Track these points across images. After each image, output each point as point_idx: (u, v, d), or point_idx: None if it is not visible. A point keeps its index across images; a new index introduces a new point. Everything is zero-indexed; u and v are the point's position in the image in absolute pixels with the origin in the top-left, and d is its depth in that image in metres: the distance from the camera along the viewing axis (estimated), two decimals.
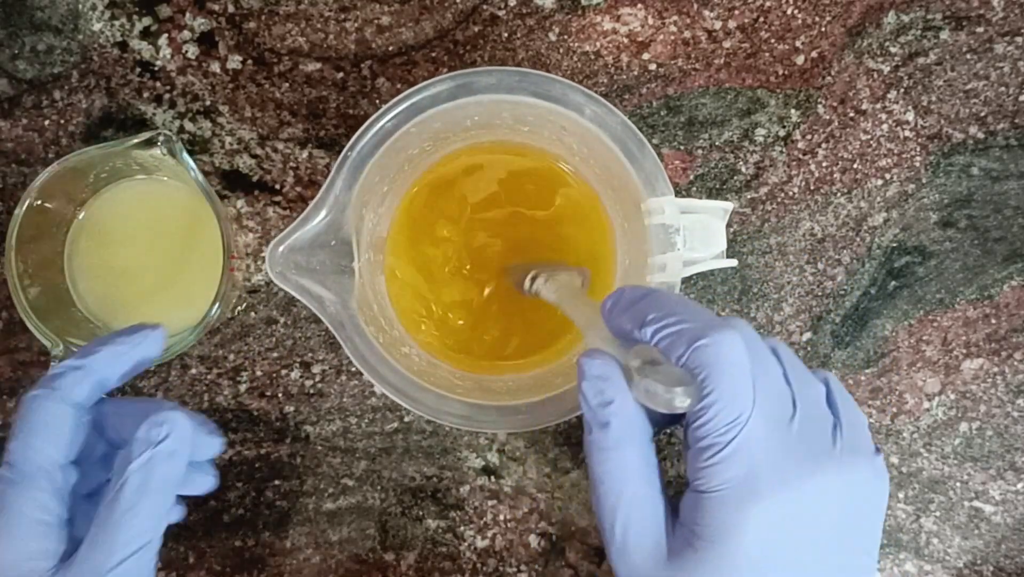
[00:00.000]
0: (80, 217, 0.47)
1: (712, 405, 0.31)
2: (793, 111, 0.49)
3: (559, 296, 0.40)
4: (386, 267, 0.45)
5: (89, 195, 0.47)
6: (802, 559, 0.32)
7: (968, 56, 0.50)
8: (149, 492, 0.36)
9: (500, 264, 0.46)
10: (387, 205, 0.45)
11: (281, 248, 0.38)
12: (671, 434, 0.49)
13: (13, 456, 0.35)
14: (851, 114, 0.49)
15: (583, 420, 0.34)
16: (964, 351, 0.49)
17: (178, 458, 0.36)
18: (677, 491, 0.34)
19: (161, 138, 0.43)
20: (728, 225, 0.49)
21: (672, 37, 0.49)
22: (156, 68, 0.49)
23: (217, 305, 0.44)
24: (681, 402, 0.30)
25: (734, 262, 0.38)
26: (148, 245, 0.47)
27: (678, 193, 0.49)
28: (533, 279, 0.42)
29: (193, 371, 0.48)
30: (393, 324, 0.45)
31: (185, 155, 0.43)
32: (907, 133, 0.49)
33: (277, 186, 0.49)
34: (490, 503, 0.49)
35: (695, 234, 0.39)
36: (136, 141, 0.43)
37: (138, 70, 0.49)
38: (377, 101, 0.49)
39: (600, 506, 0.33)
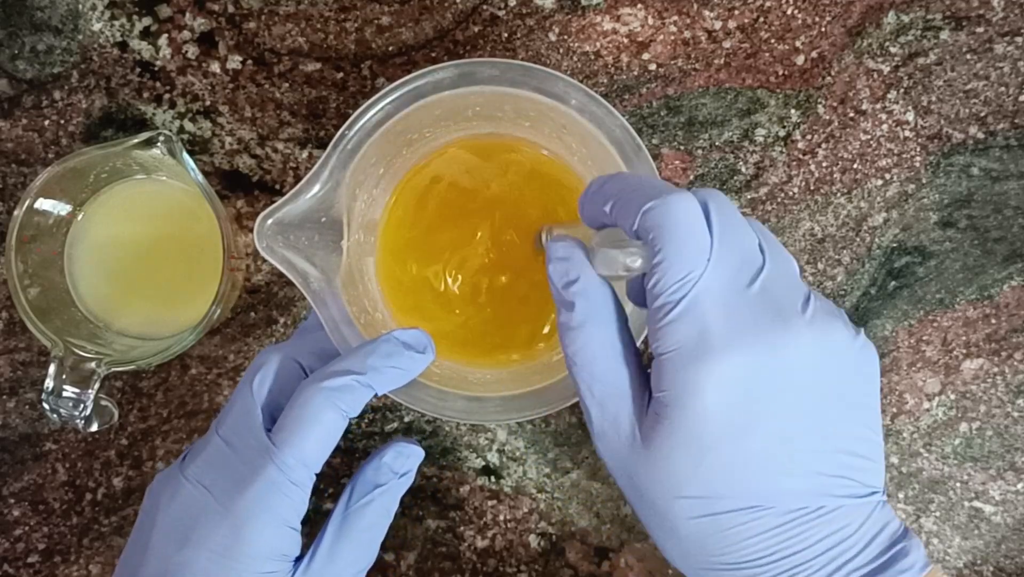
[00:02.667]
0: (80, 217, 0.47)
1: (662, 263, 0.30)
2: (793, 111, 0.49)
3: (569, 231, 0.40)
4: (377, 249, 0.46)
5: (89, 195, 0.47)
6: (779, 425, 0.30)
7: (968, 56, 0.50)
8: (387, 516, 0.38)
9: (489, 258, 0.46)
10: (382, 188, 0.45)
11: (270, 221, 0.39)
12: None
13: (289, 453, 0.35)
14: (851, 114, 0.49)
15: (556, 305, 0.34)
16: (964, 351, 0.49)
17: (405, 490, 0.39)
18: None
19: (161, 138, 0.43)
20: None
21: (672, 37, 0.49)
22: (156, 68, 0.49)
23: (217, 305, 0.44)
24: (633, 262, 0.31)
25: None
26: (148, 245, 0.47)
27: None
28: (549, 232, 0.42)
29: (193, 371, 0.48)
30: (377, 306, 0.45)
31: (185, 155, 0.43)
32: (907, 133, 0.49)
33: (277, 186, 0.49)
34: (490, 503, 0.49)
35: None
36: (136, 141, 0.43)
37: (138, 70, 0.49)
38: None
39: (577, 388, 0.33)
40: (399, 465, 0.39)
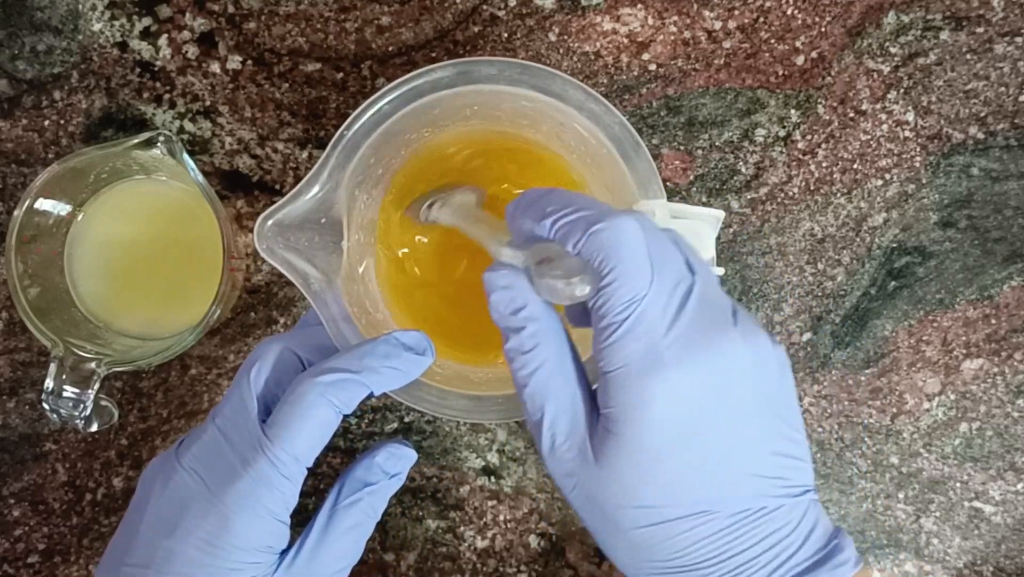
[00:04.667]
0: (80, 217, 0.47)
1: (609, 284, 0.31)
2: (793, 111, 0.49)
3: (456, 216, 0.40)
4: (376, 249, 0.45)
5: (89, 195, 0.47)
6: (722, 432, 0.32)
7: (968, 56, 0.50)
8: (375, 516, 0.39)
9: (492, 260, 0.46)
10: (381, 188, 0.45)
11: (270, 222, 0.39)
12: None
13: (280, 447, 0.35)
14: (851, 114, 0.49)
15: (501, 333, 0.34)
16: (964, 351, 0.49)
17: (395, 491, 0.40)
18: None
19: (161, 138, 0.43)
20: (728, 226, 0.49)
21: (672, 37, 0.49)
22: (156, 68, 0.49)
23: (217, 305, 0.44)
24: (581, 291, 0.31)
25: (721, 271, 0.38)
26: (148, 245, 0.47)
27: (679, 193, 0.49)
28: (430, 206, 0.42)
29: (193, 371, 0.48)
30: (378, 306, 0.45)
31: (185, 155, 0.43)
32: (907, 133, 0.49)
33: (277, 186, 0.49)
34: (490, 503, 0.49)
35: (684, 239, 0.39)
36: (136, 141, 0.43)
37: (138, 70, 0.49)
38: None
39: (527, 410, 0.33)
40: (391, 466, 0.39)
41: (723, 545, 0.32)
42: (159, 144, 0.43)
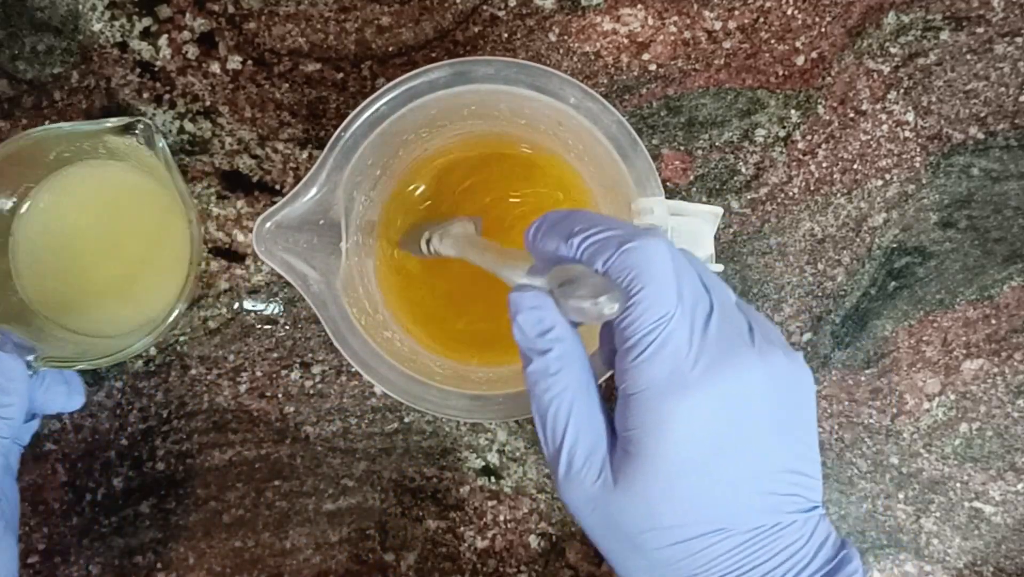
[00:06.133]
0: (29, 199, 0.44)
1: (638, 304, 0.31)
2: (793, 111, 0.49)
3: (459, 247, 0.40)
4: (376, 251, 0.46)
5: (44, 174, 0.44)
6: (740, 451, 0.32)
7: (968, 56, 0.50)
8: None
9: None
10: (379, 189, 0.45)
11: (268, 224, 0.39)
12: None
13: None
14: (851, 115, 0.49)
15: (520, 354, 0.34)
16: (964, 352, 0.49)
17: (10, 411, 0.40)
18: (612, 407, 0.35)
19: (140, 126, 0.41)
20: (728, 226, 0.49)
21: (672, 38, 0.49)
22: (156, 68, 0.49)
23: (181, 304, 0.42)
24: (609, 309, 0.31)
25: (720, 268, 0.39)
26: (105, 237, 0.45)
27: (679, 193, 0.49)
28: (428, 241, 0.42)
29: (193, 371, 0.48)
30: (378, 308, 0.45)
31: (163, 145, 0.41)
32: (907, 134, 0.49)
33: (277, 186, 0.49)
34: (490, 504, 0.49)
35: (683, 237, 0.39)
36: (112, 124, 0.41)
37: (138, 70, 0.49)
38: None
39: (546, 435, 0.33)
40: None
41: (740, 561, 0.32)
42: (137, 131, 0.41)
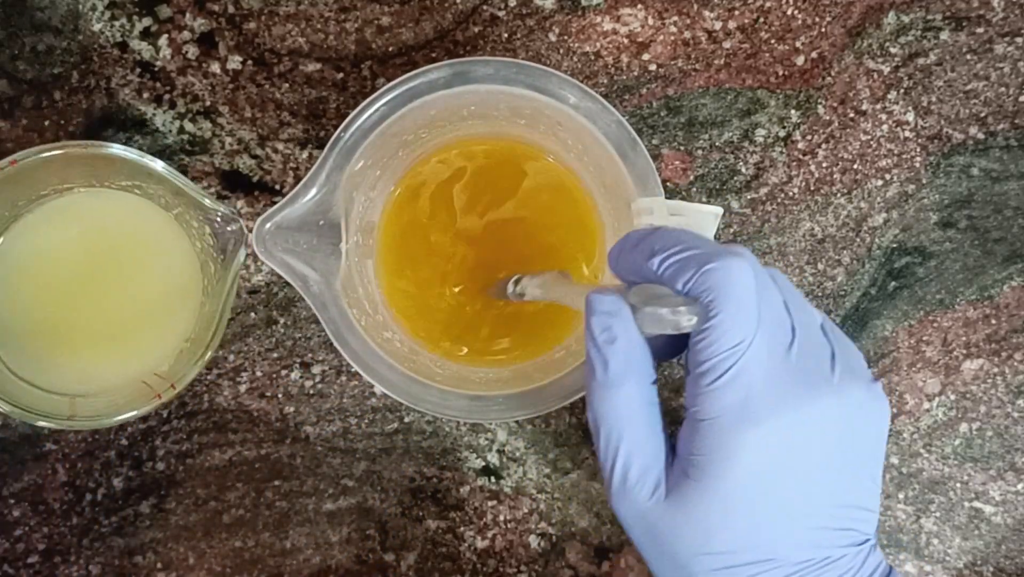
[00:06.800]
0: (10, 230, 0.36)
1: (717, 327, 0.31)
2: (793, 112, 0.49)
3: (546, 289, 0.40)
4: (376, 252, 0.46)
5: (16, 213, 0.36)
6: (801, 484, 0.32)
7: (968, 56, 0.50)
8: None
9: (488, 258, 0.46)
10: (379, 190, 0.45)
11: (268, 225, 0.39)
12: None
13: None
14: (851, 114, 0.49)
15: (587, 359, 0.33)
16: (964, 352, 0.49)
17: None
18: (673, 430, 0.34)
19: (233, 228, 0.35)
20: (728, 226, 0.49)
21: (672, 38, 0.49)
22: (156, 68, 0.49)
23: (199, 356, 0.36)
24: (688, 321, 0.31)
25: None
26: (89, 283, 0.38)
27: (679, 193, 0.49)
28: (517, 282, 0.42)
29: None
30: (377, 308, 0.45)
31: (242, 258, 0.37)
32: (907, 134, 0.49)
33: (277, 187, 0.49)
34: (490, 504, 0.49)
35: None
36: (209, 204, 0.35)
37: (138, 70, 0.49)
38: None
39: (601, 446, 0.33)
40: None
41: None
42: (217, 223, 0.34)
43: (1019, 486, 0.49)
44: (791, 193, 0.49)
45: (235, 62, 0.49)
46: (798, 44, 0.49)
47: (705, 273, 0.31)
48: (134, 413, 0.36)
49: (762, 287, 0.32)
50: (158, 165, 0.36)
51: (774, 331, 0.32)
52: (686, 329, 0.31)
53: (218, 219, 0.36)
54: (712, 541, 0.32)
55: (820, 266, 0.49)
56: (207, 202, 0.36)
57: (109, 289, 0.39)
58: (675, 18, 0.49)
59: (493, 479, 0.49)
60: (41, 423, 0.36)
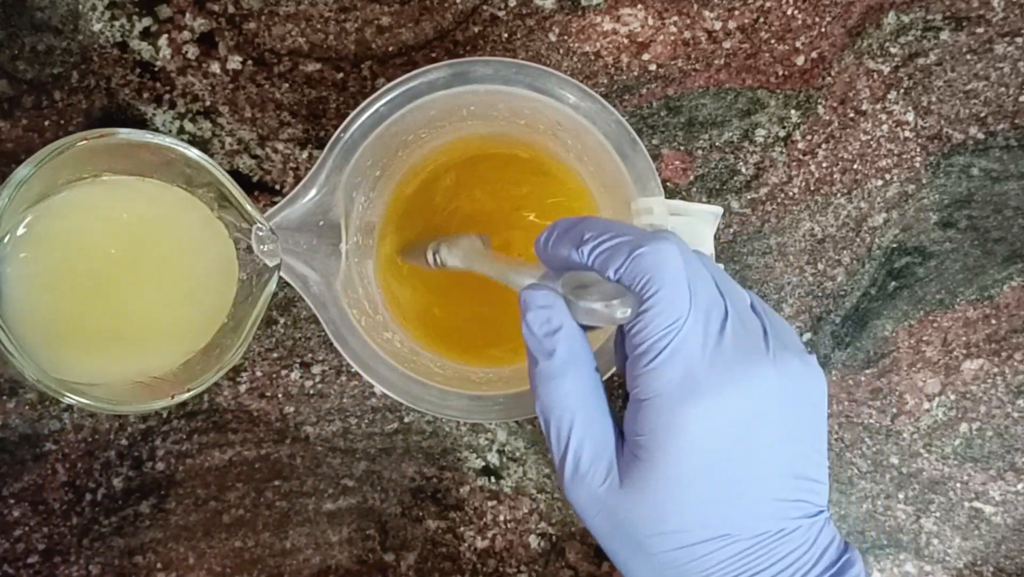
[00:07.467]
0: (26, 224, 0.33)
1: (651, 309, 0.31)
2: (793, 112, 0.49)
3: (467, 260, 0.40)
4: (375, 252, 0.46)
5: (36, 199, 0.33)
6: (748, 457, 0.32)
7: (968, 56, 0.50)
8: None
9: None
10: (379, 190, 0.45)
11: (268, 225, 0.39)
12: None
13: None
14: (851, 115, 0.49)
15: (528, 353, 0.34)
16: (964, 352, 0.49)
17: None
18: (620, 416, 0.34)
19: (266, 246, 0.34)
20: (728, 226, 0.49)
21: (672, 38, 0.49)
22: (156, 68, 0.49)
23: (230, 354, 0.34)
24: (622, 313, 0.31)
25: (720, 267, 0.38)
26: (109, 268, 0.36)
27: (679, 194, 0.49)
28: (435, 252, 0.42)
29: None
30: (377, 309, 0.45)
31: (273, 287, 0.35)
32: (907, 134, 0.49)
33: (277, 187, 0.49)
34: (490, 504, 0.49)
35: (683, 237, 0.39)
36: (250, 209, 0.33)
37: (138, 70, 0.49)
38: None
39: (552, 436, 0.33)
40: None
41: (743, 566, 0.32)
42: (252, 235, 0.33)
43: (1019, 486, 0.49)
44: (791, 193, 0.49)
45: (235, 62, 0.49)
46: (798, 44, 0.49)
47: (636, 258, 0.32)
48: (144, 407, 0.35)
49: (692, 269, 0.32)
50: (219, 173, 0.34)
51: (708, 309, 0.32)
52: (620, 321, 0.31)
53: (259, 232, 0.35)
54: (665, 520, 0.32)
55: (820, 266, 0.49)
56: (255, 213, 0.35)
57: (139, 280, 0.37)
58: (675, 18, 0.49)
59: (493, 479, 0.49)
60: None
